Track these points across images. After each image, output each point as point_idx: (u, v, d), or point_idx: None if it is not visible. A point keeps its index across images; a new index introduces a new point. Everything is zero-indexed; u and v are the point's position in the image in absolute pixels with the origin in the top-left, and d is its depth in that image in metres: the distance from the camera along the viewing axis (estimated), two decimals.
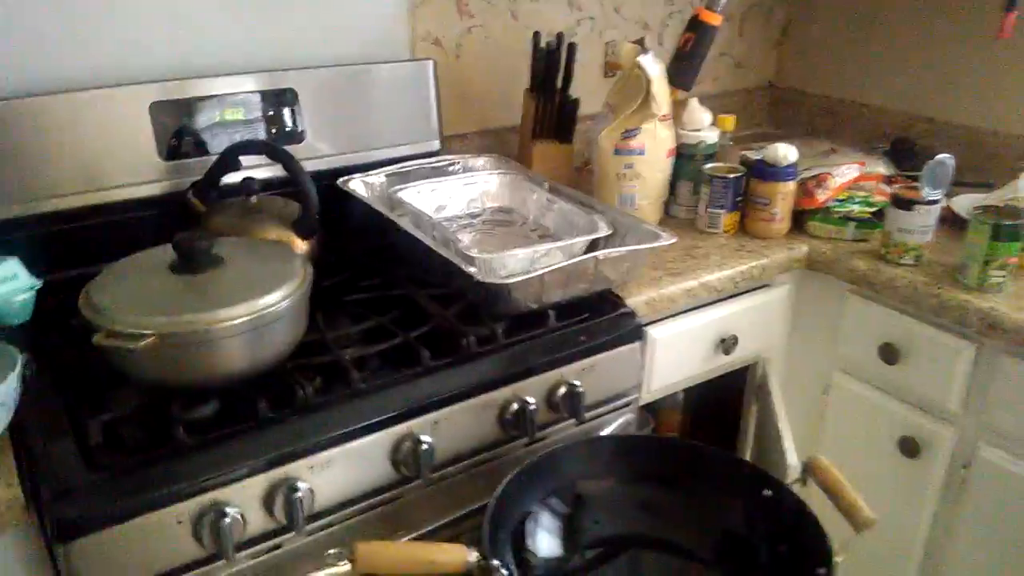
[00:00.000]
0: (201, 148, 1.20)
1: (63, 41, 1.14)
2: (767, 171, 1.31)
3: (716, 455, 0.91)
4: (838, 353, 1.36)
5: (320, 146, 1.29)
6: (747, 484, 0.88)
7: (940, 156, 1.21)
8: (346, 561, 0.73)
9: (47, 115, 1.07)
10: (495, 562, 0.75)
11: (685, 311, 1.22)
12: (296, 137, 1.27)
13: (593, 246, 1.12)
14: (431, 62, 1.38)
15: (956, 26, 1.62)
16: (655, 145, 1.32)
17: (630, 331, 1.08)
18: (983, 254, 1.15)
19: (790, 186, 1.32)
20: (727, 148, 1.44)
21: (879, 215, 1.33)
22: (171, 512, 0.76)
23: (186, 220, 1.12)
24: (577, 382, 1.01)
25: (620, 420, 1.10)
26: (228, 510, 0.78)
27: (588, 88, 1.52)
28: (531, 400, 0.98)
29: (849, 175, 1.37)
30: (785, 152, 1.29)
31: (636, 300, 1.14)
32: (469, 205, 1.33)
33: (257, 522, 0.81)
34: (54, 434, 0.81)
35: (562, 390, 1.01)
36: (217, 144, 1.20)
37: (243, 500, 0.80)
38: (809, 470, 0.86)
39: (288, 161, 1.06)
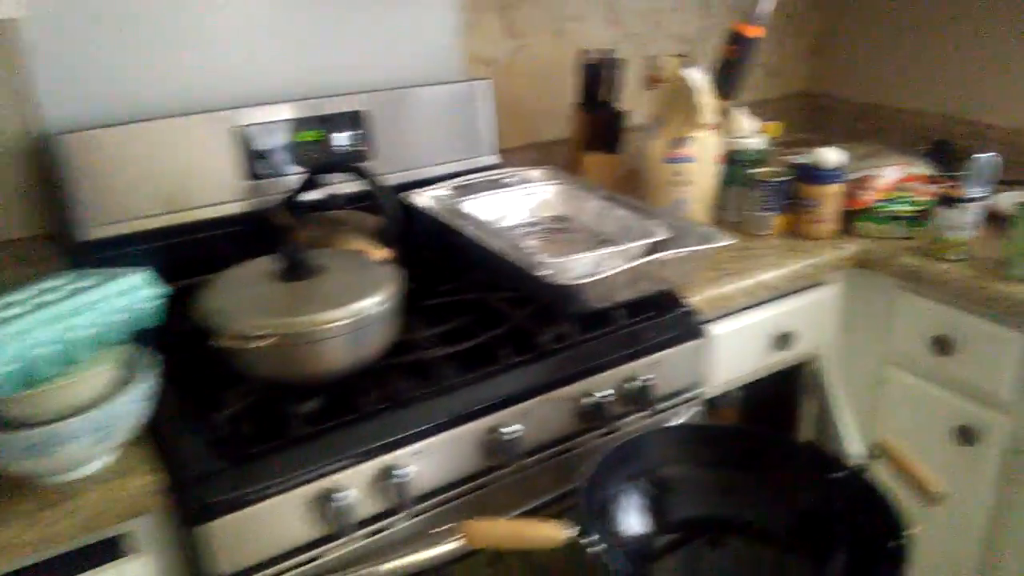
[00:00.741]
0: (277, 168, 1.28)
1: (142, 72, 1.22)
2: (815, 174, 1.37)
3: (788, 441, 0.97)
4: (889, 348, 1.41)
5: (386, 163, 1.37)
6: (818, 467, 0.93)
7: (985, 155, 1.27)
8: (458, 536, 0.79)
9: (135, 141, 1.15)
10: (593, 537, 0.81)
11: (742, 309, 1.28)
12: (364, 155, 1.35)
13: (652, 249, 1.19)
14: (488, 81, 1.46)
15: (991, 29, 1.67)
16: (704, 152, 1.38)
17: (693, 328, 1.14)
18: None
19: (837, 188, 1.37)
20: (772, 153, 1.50)
21: (924, 214, 1.39)
22: (293, 496, 0.84)
23: (267, 236, 1.20)
24: (647, 376, 1.08)
25: (688, 413, 1.16)
26: (343, 493, 0.85)
27: (630, 101, 1.59)
28: (605, 393, 1.05)
29: (894, 176, 1.42)
30: (832, 156, 1.35)
31: (697, 299, 1.20)
32: (528, 214, 1.40)
33: (367, 505, 0.88)
34: (180, 428, 0.88)
35: (633, 383, 1.07)
36: (292, 164, 1.28)
37: (355, 484, 0.87)
38: (878, 451, 0.91)
39: (370, 177, 1.14)
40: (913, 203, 1.41)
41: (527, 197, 1.41)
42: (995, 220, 1.38)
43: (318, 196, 1.21)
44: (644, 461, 0.95)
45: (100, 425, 0.76)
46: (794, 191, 1.39)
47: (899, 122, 1.86)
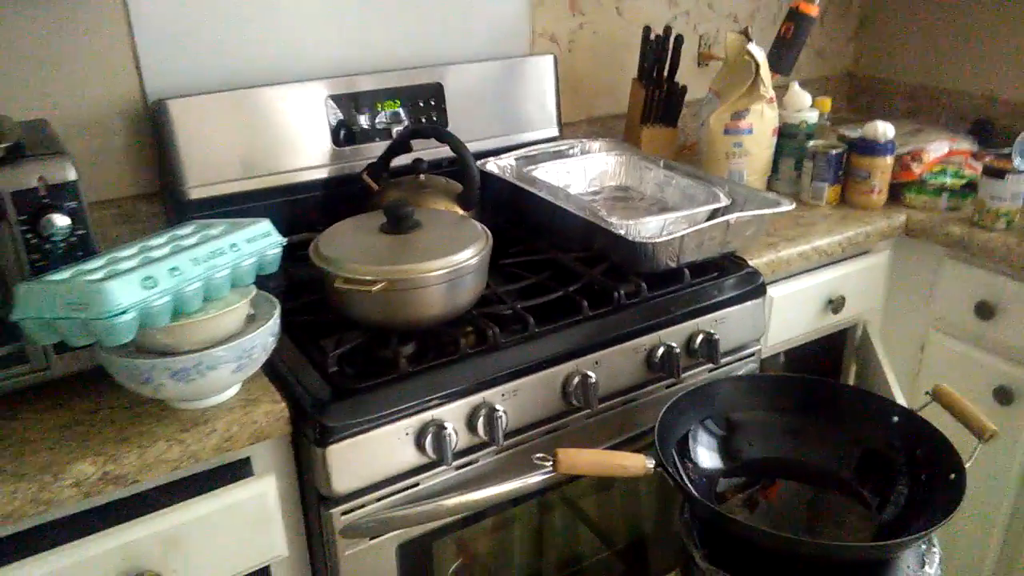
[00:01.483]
0: (364, 135, 1.36)
1: (241, 43, 1.30)
2: (867, 147, 1.43)
3: (849, 389, 1.04)
4: (933, 313, 1.48)
5: (461, 132, 1.45)
6: (878, 411, 1.01)
7: None
8: (550, 463, 0.88)
9: (235, 108, 1.23)
10: (670, 469, 0.90)
11: (798, 274, 1.35)
12: (441, 125, 1.43)
13: (713, 215, 1.26)
14: (552, 56, 1.53)
15: None
16: (762, 125, 1.45)
17: (755, 288, 1.22)
18: None
19: (888, 161, 1.44)
20: (824, 127, 1.56)
21: (969, 186, 1.45)
22: (400, 426, 0.93)
23: (356, 197, 1.29)
24: (712, 331, 1.16)
25: (744, 368, 1.24)
26: (445, 424, 0.94)
27: (682, 77, 1.66)
28: (674, 344, 1.13)
29: (941, 150, 1.49)
30: (884, 129, 1.42)
31: (757, 262, 1.27)
32: (590, 184, 1.48)
33: (464, 437, 0.97)
34: (298, 364, 0.97)
35: (700, 337, 1.15)
36: (377, 131, 1.36)
37: (453, 419, 0.96)
38: (935, 395, 0.98)
39: (455, 143, 1.22)
40: (959, 176, 1.47)
41: (589, 167, 1.49)
42: None
43: (403, 161, 1.29)
44: (714, 405, 1.03)
45: (241, 354, 0.85)
46: (847, 163, 1.46)
47: (941, 102, 1.91)
